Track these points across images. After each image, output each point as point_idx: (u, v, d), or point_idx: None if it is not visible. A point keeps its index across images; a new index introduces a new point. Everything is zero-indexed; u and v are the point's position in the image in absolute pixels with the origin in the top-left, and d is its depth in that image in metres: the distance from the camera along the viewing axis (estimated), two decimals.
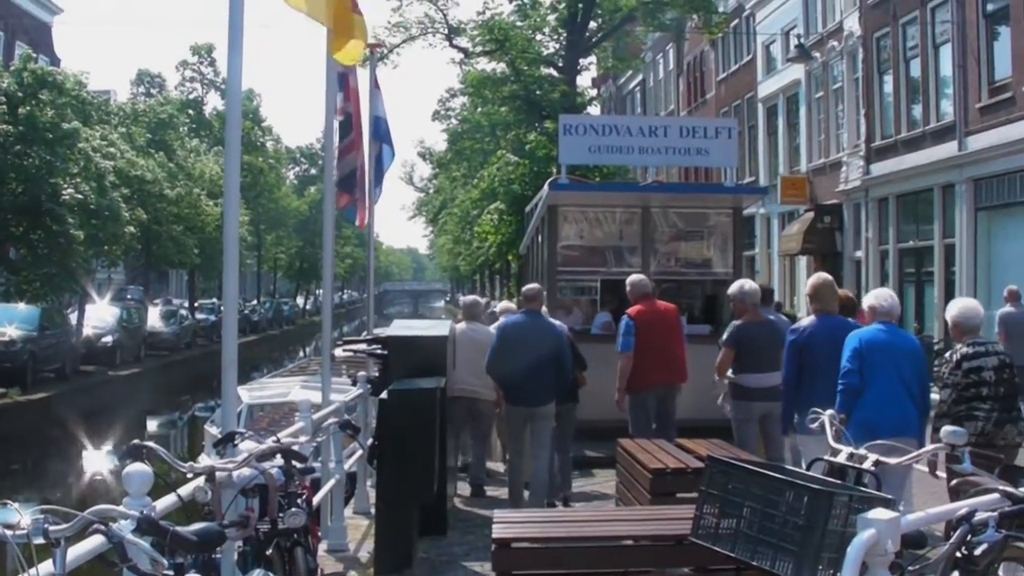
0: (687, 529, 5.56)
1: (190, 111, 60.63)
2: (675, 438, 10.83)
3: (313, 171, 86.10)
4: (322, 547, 8.83)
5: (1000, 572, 5.29)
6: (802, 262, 36.48)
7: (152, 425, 31.67)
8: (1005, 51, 24.21)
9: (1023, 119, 22.95)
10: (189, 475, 5.37)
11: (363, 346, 13.13)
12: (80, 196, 28.42)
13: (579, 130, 16.66)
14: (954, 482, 5.65)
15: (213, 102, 64.50)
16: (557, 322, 12.15)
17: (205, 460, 6.13)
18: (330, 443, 9.82)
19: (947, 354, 8.81)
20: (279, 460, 5.81)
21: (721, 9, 41.66)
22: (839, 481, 5.67)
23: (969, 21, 25.32)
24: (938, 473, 7.57)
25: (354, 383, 12.64)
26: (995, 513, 4.91)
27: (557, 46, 40.65)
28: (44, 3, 47.70)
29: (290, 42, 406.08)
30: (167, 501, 4.95)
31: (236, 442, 5.92)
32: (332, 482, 9.66)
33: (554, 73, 40.12)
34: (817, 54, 34.57)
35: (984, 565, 4.99)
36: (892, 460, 5.99)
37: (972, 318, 8.60)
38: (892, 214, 30.33)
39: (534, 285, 12.42)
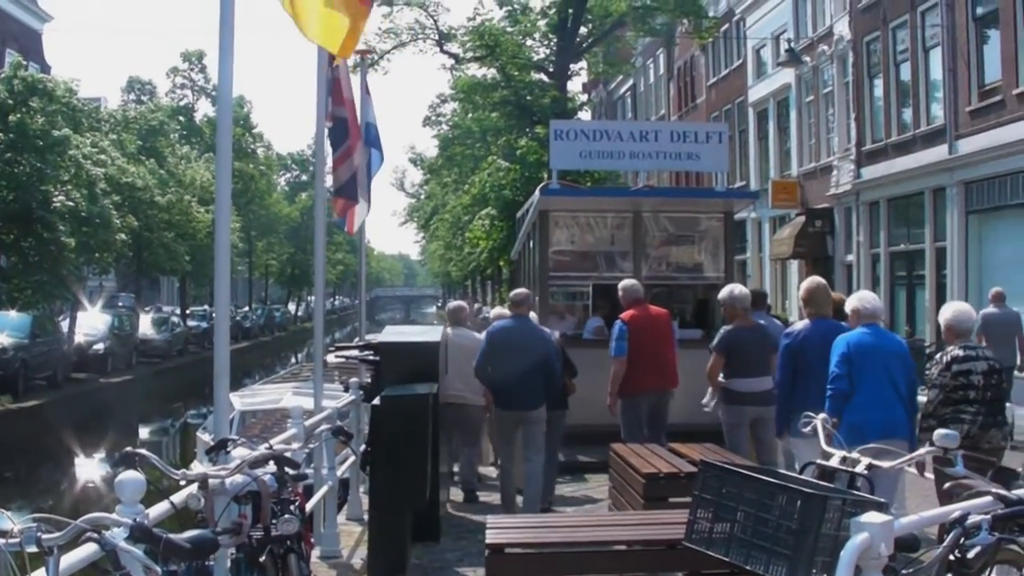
0: (680, 534, 5.56)
1: (181, 118, 60.57)
2: (666, 443, 10.85)
3: (304, 177, 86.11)
4: (315, 554, 8.82)
5: (993, 575, 5.29)
6: (793, 266, 36.52)
7: (144, 432, 31.60)
8: (995, 54, 24.26)
9: (1013, 122, 22.98)
10: (182, 482, 5.37)
11: (355, 352, 13.13)
12: (71, 203, 28.36)
13: (570, 135, 16.66)
14: (947, 485, 5.65)
15: (204, 109, 64.47)
16: (547, 329, 12.19)
17: (198, 467, 6.12)
18: (323, 449, 9.82)
19: (938, 355, 8.88)
20: (272, 467, 5.80)
21: (711, 14, 41.71)
22: (832, 485, 5.68)
23: (959, 25, 25.38)
24: (926, 474, 7.60)
25: (346, 389, 12.64)
26: (988, 516, 4.92)
27: (548, 51, 40.63)
28: (34, 10, 47.61)
29: (280, 48, 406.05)
30: (160, 509, 4.94)
31: (229, 449, 5.91)
32: (325, 488, 9.65)
33: (545, 78, 40.12)
34: (807, 58, 34.64)
35: (977, 568, 4.99)
36: (886, 464, 6.00)
37: (965, 322, 8.68)
38: (883, 218, 30.36)
39: (522, 290, 12.46)
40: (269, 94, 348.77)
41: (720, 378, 11.17)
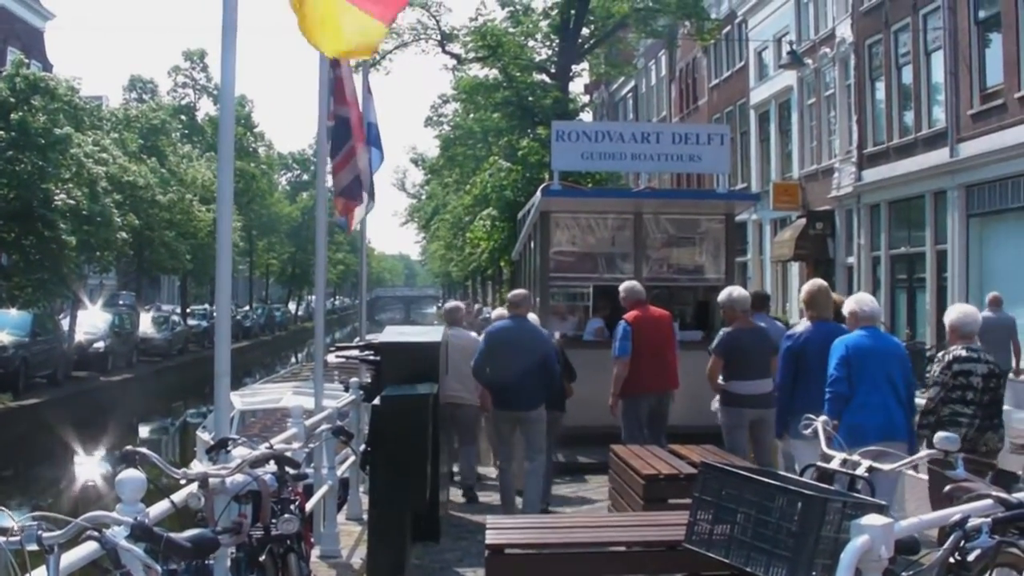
0: (680, 535, 5.57)
1: (182, 117, 60.55)
2: (666, 444, 10.87)
3: (305, 177, 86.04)
4: (315, 553, 8.82)
5: None
6: (794, 268, 36.51)
7: (144, 431, 31.62)
8: (997, 58, 24.27)
9: (1015, 126, 22.99)
10: (182, 481, 5.37)
11: (356, 352, 13.13)
12: (72, 202, 28.36)
13: (571, 136, 16.65)
14: (947, 488, 5.65)
15: (205, 108, 64.45)
16: (545, 330, 12.22)
17: (198, 466, 6.12)
18: (323, 449, 9.82)
19: (940, 354, 8.96)
20: (272, 466, 5.81)
21: (713, 16, 41.68)
22: (832, 487, 5.68)
23: (961, 28, 25.39)
24: (920, 475, 7.62)
25: (346, 389, 12.64)
26: (988, 519, 4.92)
27: (550, 52, 40.59)
28: (36, 9, 47.61)
29: (281, 47, 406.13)
30: (160, 507, 4.93)
31: (229, 448, 5.91)
32: (325, 488, 9.65)
33: (546, 79, 40.07)
34: (809, 61, 34.64)
35: (977, 571, 5.00)
36: (886, 466, 6.00)
37: (969, 323, 8.75)
38: (884, 220, 30.37)
39: (520, 291, 12.48)
40: (270, 93, 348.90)
41: (720, 380, 11.18)
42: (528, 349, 11.17)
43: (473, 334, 13.55)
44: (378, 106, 16.72)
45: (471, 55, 40.97)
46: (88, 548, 3.87)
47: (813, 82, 35.60)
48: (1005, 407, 8.69)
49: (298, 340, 71.10)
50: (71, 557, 3.83)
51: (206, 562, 5.21)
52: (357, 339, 16.13)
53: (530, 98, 38.82)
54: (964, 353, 8.53)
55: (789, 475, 5.85)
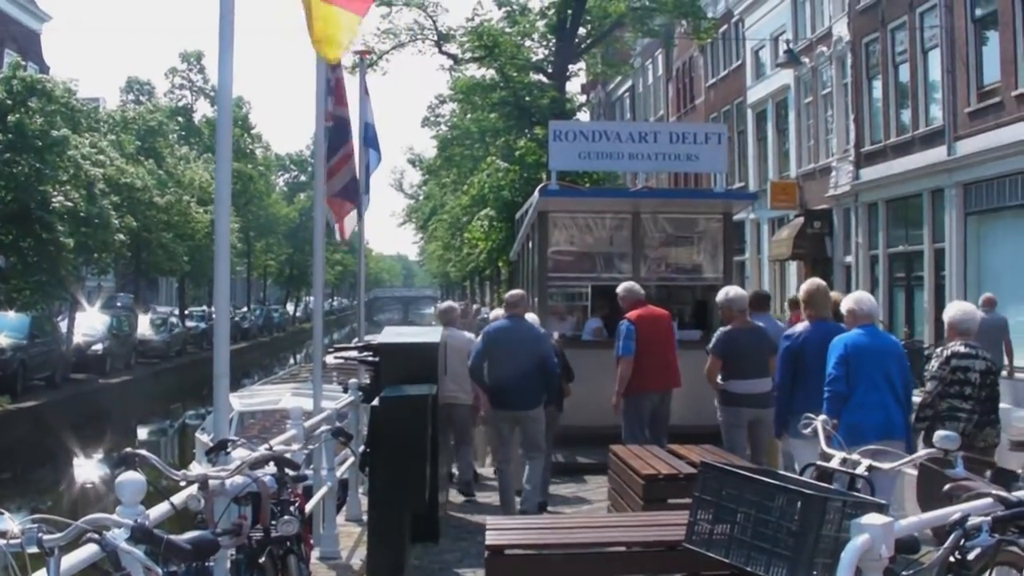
0: (680, 535, 5.57)
1: (180, 118, 60.52)
2: (666, 444, 10.88)
3: (303, 178, 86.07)
4: (314, 555, 8.81)
5: None
6: (792, 267, 36.53)
7: (143, 433, 31.58)
8: (994, 56, 24.26)
9: (1012, 123, 22.99)
10: (182, 483, 5.36)
11: (354, 353, 13.14)
12: (70, 204, 28.35)
13: (569, 136, 16.65)
14: (947, 487, 5.65)
15: (203, 109, 64.42)
16: (543, 330, 12.24)
17: (197, 468, 6.12)
18: (322, 450, 9.81)
19: (938, 349, 9.03)
20: (272, 468, 5.80)
21: (710, 15, 41.68)
22: (832, 486, 5.68)
23: (958, 26, 25.39)
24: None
25: (345, 390, 12.66)
26: (988, 517, 4.93)
27: (546, 52, 40.56)
28: (33, 11, 47.58)
29: (278, 49, 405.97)
30: (160, 509, 4.93)
31: (228, 450, 5.91)
32: (324, 489, 9.65)
33: (543, 79, 40.05)
34: (806, 59, 34.63)
35: (977, 570, 5.00)
36: (886, 465, 6.01)
37: (968, 321, 8.83)
38: (882, 219, 30.37)
39: (517, 291, 12.53)
40: (267, 95, 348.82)
41: (718, 380, 11.19)
42: (526, 349, 11.19)
43: (468, 334, 13.59)
44: (375, 107, 16.76)
45: (468, 55, 40.94)
46: (88, 550, 3.87)
47: (810, 81, 35.60)
48: (1005, 405, 8.72)
49: (296, 341, 71.09)
50: (71, 559, 3.83)
51: (206, 564, 5.21)
52: (356, 340, 16.12)
53: (527, 98, 38.81)
54: (963, 349, 8.62)
55: (789, 474, 5.85)
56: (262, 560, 5.56)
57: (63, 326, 33.85)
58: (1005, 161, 23.39)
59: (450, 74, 44.23)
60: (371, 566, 8.93)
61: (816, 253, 33.92)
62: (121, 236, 32.83)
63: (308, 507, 8.07)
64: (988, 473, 6.25)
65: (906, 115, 28.76)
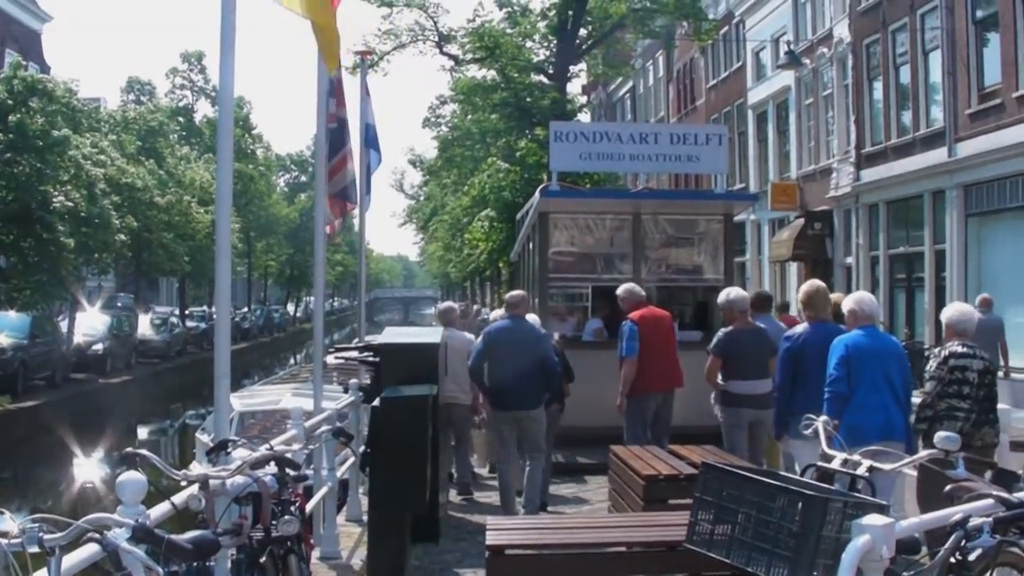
0: (681, 535, 5.57)
1: (180, 118, 60.56)
2: (667, 444, 10.89)
3: (303, 178, 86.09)
4: (315, 555, 8.81)
5: None
6: (792, 268, 36.52)
7: (143, 433, 31.59)
8: (995, 57, 24.26)
9: (1013, 125, 22.99)
10: (183, 483, 5.37)
11: (355, 353, 13.15)
12: (70, 204, 28.33)
13: (570, 137, 16.66)
14: (948, 487, 5.65)
15: (203, 109, 64.47)
16: (544, 330, 12.25)
17: (198, 468, 6.12)
18: (322, 450, 9.82)
19: (936, 349, 9.07)
20: (272, 468, 5.81)
21: (711, 16, 41.68)
22: (833, 487, 5.68)
23: (959, 28, 25.39)
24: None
25: (346, 390, 12.66)
26: (989, 518, 4.93)
27: (547, 53, 40.54)
28: (34, 11, 47.59)
29: (279, 49, 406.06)
30: (161, 509, 4.94)
31: (229, 450, 5.91)
32: (325, 489, 9.65)
33: (544, 80, 40.03)
34: (807, 61, 34.62)
35: (978, 571, 5.00)
36: (887, 466, 6.01)
37: (965, 321, 8.84)
38: (882, 220, 30.36)
39: (518, 292, 12.54)
40: (268, 95, 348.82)
41: (719, 380, 11.21)
42: (527, 349, 11.19)
43: (468, 335, 13.61)
44: (376, 107, 16.78)
45: (469, 56, 40.92)
46: (89, 550, 3.87)
47: (811, 82, 35.60)
48: (1004, 406, 8.72)
49: (297, 341, 71.12)
50: (72, 559, 3.83)
51: (207, 563, 5.21)
52: (356, 340, 16.13)
53: (528, 99, 38.79)
54: (960, 349, 8.63)
55: (790, 475, 5.85)
56: (263, 560, 5.56)
57: (64, 326, 33.85)
58: (1006, 163, 23.39)
59: (451, 75, 44.23)
60: (371, 566, 8.93)
61: (817, 254, 33.91)
62: (122, 236, 32.82)
63: (308, 507, 8.07)
64: (989, 474, 6.26)
65: (907, 116, 28.75)
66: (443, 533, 10.61)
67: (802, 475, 6.13)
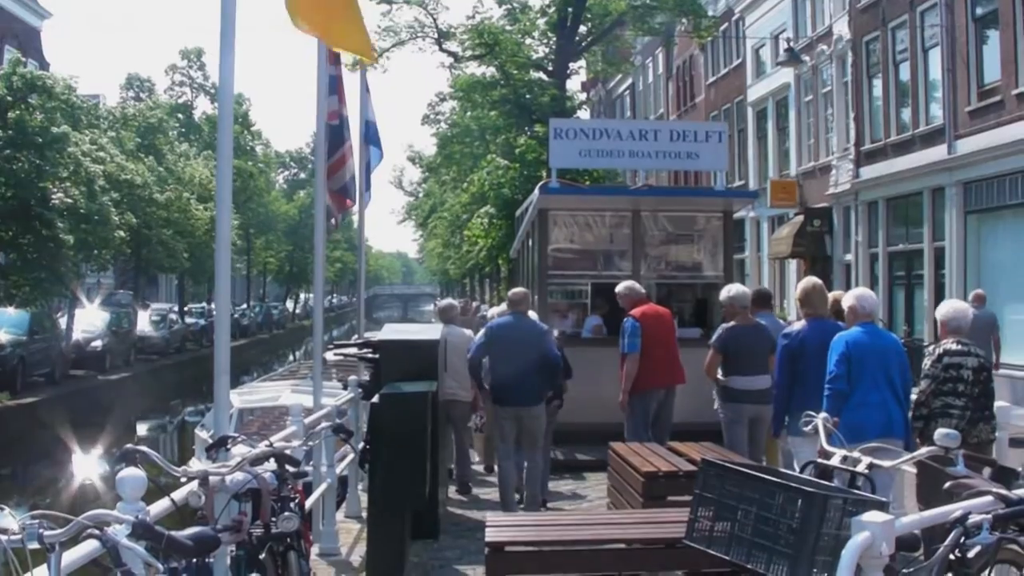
0: (680, 532, 5.57)
1: (180, 115, 60.60)
2: (667, 441, 10.90)
3: (302, 175, 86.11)
4: (314, 551, 8.82)
5: (993, 575, 5.30)
6: (792, 265, 36.53)
7: (142, 429, 31.60)
8: (994, 55, 24.25)
9: (1012, 122, 22.98)
10: (182, 480, 5.37)
11: (354, 350, 13.15)
12: (70, 200, 28.31)
13: (569, 134, 16.65)
14: (947, 484, 5.65)
15: (203, 106, 64.51)
16: (545, 326, 12.26)
17: (198, 465, 6.12)
18: (322, 447, 9.82)
19: (930, 347, 9.04)
20: (272, 464, 5.81)
21: (710, 13, 41.66)
22: (833, 484, 5.68)
23: (958, 25, 25.38)
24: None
25: (345, 387, 12.67)
26: (989, 516, 4.93)
27: (547, 50, 40.56)
28: (33, 7, 47.53)
29: (278, 46, 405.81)
30: (161, 506, 4.94)
31: (228, 446, 5.91)
32: (324, 486, 9.66)
33: (544, 77, 40.05)
34: (806, 58, 34.60)
35: (978, 568, 5.01)
36: (887, 463, 6.00)
37: (959, 318, 8.86)
38: (882, 217, 30.36)
39: (520, 289, 12.55)
40: (267, 91, 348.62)
41: (719, 375, 11.22)
42: (529, 345, 11.21)
43: (468, 332, 13.61)
44: (376, 104, 16.75)
45: (468, 53, 40.94)
46: (89, 546, 3.87)
47: (810, 79, 35.58)
48: (1004, 403, 8.71)
49: (296, 338, 71.14)
50: (72, 555, 3.84)
51: (207, 560, 5.21)
52: (355, 337, 16.12)
53: (527, 96, 38.82)
54: (954, 347, 8.64)
55: (789, 472, 5.85)
56: (262, 556, 5.56)
57: (63, 322, 33.85)
58: (1005, 160, 23.38)
59: (450, 72, 44.27)
60: (371, 562, 8.93)
61: (816, 251, 33.92)
62: (121, 233, 32.77)
63: (308, 503, 8.08)
64: (988, 471, 6.26)
65: (906, 114, 28.74)
66: (442, 530, 10.62)
67: (801, 472, 6.12)
